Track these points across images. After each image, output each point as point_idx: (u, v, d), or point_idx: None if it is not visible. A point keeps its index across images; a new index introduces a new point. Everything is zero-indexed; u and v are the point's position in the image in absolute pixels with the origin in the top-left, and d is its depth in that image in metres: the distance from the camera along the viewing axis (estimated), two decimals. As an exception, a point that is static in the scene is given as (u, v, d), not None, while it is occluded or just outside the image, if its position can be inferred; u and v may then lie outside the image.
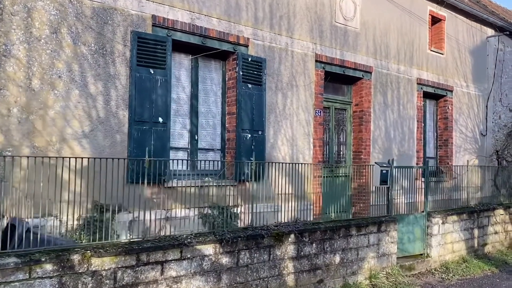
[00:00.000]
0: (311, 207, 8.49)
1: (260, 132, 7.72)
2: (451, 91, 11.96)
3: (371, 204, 9.37)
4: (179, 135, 7.21)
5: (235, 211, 7.33)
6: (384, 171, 7.55)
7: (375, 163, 7.89)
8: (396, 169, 8.07)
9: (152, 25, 6.56)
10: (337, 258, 6.65)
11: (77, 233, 5.69)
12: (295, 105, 8.40)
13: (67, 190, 5.10)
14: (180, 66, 7.22)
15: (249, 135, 7.55)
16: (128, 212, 6.13)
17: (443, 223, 8.49)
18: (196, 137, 7.34)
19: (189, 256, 5.06)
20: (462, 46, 12.36)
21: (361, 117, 9.70)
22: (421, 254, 8.24)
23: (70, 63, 5.86)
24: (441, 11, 11.72)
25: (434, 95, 11.75)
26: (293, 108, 8.37)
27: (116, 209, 5.81)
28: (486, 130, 13.22)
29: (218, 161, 7.17)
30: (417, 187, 10.21)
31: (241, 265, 5.54)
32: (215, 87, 7.63)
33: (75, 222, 5.61)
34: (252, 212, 7.39)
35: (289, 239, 6.10)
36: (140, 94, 6.33)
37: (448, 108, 11.92)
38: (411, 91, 10.81)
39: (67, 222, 5.52)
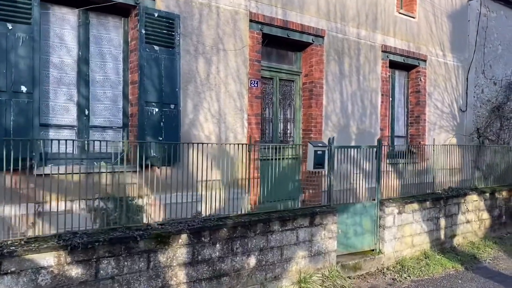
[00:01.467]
0: (246, 195, 7.11)
1: (172, 106, 6.28)
2: (424, 60, 10.44)
3: (323, 189, 8.01)
4: (64, 109, 5.77)
5: (139, 203, 5.95)
6: (319, 152, 6.13)
7: (309, 142, 6.46)
8: (339, 149, 6.66)
9: (13, -33, 5.08)
10: (252, 261, 5.29)
11: None
12: (223, 73, 6.93)
13: None
14: (62, 22, 5.74)
15: (157, 110, 6.12)
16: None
17: (399, 212, 7.11)
18: (87, 112, 5.91)
19: (13, 270, 3.69)
20: (438, 9, 10.79)
21: (311, 90, 8.23)
22: (372, 250, 6.90)
23: None
24: (413, -31, 10.16)
25: (404, 66, 10.25)
26: (220, 78, 6.90)
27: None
28: (466, 106, 11.73)
29: (108, 141, 5.71)
30: (382, 170, 8.90)
31: (103, 278, 4.18)
32: (115, 50, 6.15)
33: None
34: (164, 204, 6.08)
35: (180, 240, 4.73)
36: (-6, 55, 4.88)
37: (420, 80, 10.43)
38: (374, 60, 9.32)
39: None
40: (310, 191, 8.19)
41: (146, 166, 5.81)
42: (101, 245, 4.13)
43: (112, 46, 6.13)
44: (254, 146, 6.90)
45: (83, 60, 5.85)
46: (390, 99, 10.15)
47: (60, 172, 5.30)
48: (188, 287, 4.75)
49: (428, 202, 7.60)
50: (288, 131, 8.32)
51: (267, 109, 7.94)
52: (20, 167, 4.83)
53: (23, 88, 5.06)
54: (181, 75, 6.42)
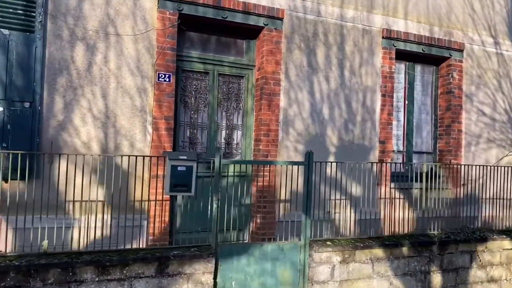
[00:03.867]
0: (146, 223, 5.42)
1: (27, 104, 4.91)
2: (460, 50, 7.58)
3: (280, 219, 5.96)
4: None
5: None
6: (181, 169, 4.19)
7: (164, 152, 4.51)
8: (228, 165, 4.62)
9: None
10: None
11: None
12: (114, 64, 5.37)
13: None
14: None
15: (1, 109, 4.81)
16: None
17: (344, 261, 4.75)
18: None
19: None
20: (486, -20, 7.88)
21: (262, 87, 6.23)
22: (298, 314, 4.67)
23: None
24: None
25: (426, 57, 7.54)
26: (110, 69, 5.36)
27: None
28: (538, 112, 8.44)
29: None
30: (379, 196, 6.59)
31: None
32: (-38, 36, 5.04)
33: None
34: (14, 229, 4.74)
35: None
36: None
37: (452, 77, 7.60)
38: (370, 49, 6.89)
39: None
40: (259, 220, 6.15)
41: (-14, 179, 4.56)
42: None
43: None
44: (158, 158, 5.19)
45: None
46: (406, 102, 7.55)
47: None
48: None
49: (404, 248, 5.05)
50: (234, 141, 6.39)
51: (198, 112, 6.15)
52: None
53: None
54: (46, 66, 5.04)
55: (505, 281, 5.74)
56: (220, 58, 6.24)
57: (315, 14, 6.48)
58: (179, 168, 4.26)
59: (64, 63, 5.15)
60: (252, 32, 6.33)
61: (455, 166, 7.21)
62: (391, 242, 5.05)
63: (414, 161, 7.60)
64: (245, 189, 6.11)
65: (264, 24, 6.16)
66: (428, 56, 7.51)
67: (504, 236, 5.78)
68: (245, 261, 4.48)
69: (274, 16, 6.18)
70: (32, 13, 4.94)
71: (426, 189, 7.07)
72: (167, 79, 5.60)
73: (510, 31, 8.09)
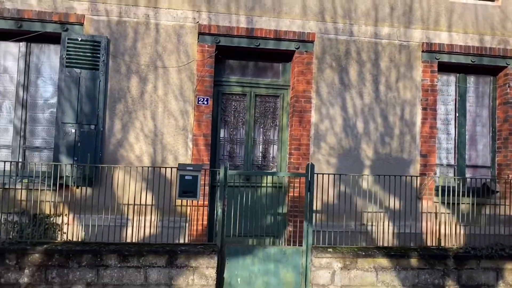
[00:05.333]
0: (185, 224, 6.30)
1: (92, 127, 6.16)
2: (519, 58, 7.12)
3: (313, 229, 6.36)
4: (3, 130, 6.39)
5: (55, 221, 6.00)
6: (188, 177, 4.90)
7: (179, 165, 5.21)
8: (235, 176, 5.17)
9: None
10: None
11: None
12: (162, 91, 6.40)
13: None
14: (6, 54, 6.43)
15: (73, 130, 6.11)
16: None
17: (345, 267, 5.00)
18: (23, 133, 6.38)
19: None
20: (552, -17, 7.24)
21: (293, 105, 6.70)
22: (301, 314, 5.04)
23: None
24: None
25: (478, 68, 7.21)
26: (158, 95, 6.39)
27: None
28: None
29: (10, 161, 5.98)
30: (423, 210, 6.62)
31: None
32: (54, 76, 6.49)
33: None
34: (82, 225, 6.02)
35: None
36: None
37: (509, 86, 7.12)
38: (408, 63, 6.89)
39: None
40: (291, 228, 6.60)
41: (62, 185, 5.92)
42: None
43: (53, 72, 6.46)
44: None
45: (23, 86, 6.39)
46: (457, 114, 7.29)
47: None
48: None
49: (412, 260, 5.06)
50: (270, 155, 6.95)
51: (237, 129, 6.86)
52: None
53: None
54: (107, 96, 6.27)
55: None
56: (257, 80, 6.91)
57: (347, 34, 6.78)
58: (186, 177, 5.02)
59: (121, 92, 6.34)
60: (286, 56, 6.88)
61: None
62: (396, 253, 5.11)
63: (468, 175, 7.28)
64: (279, 199, 6.65)
65: (296, 48, 6.68)
66: (481, 67, 7.20)
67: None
68: (250, 261, 5.03)
69: (305, 40, 6.66)
70: (97, 55, 6.22)
71: (478, 204, 6.81)
72: (205, 102, 6.45)
73: None
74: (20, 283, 4.60)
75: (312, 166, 5.31)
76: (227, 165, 5.11)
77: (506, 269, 5.26)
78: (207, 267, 4.83)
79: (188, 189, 5.01)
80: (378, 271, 5.04)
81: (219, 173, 5.04)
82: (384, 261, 5.07)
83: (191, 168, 5.02)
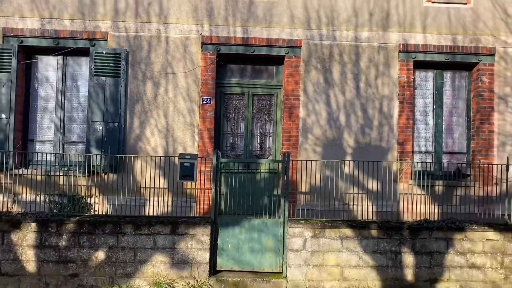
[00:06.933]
0: (194, 204, 7.47)
1: (116, 124, 7.42)
2: (491, 54, 7.76)
3: (301, 207, 7.37)
4: (47, 128, 7.77)
5: (88, 201, 7.32)
6: (186, 164, 6.02)
7: (180, 154, 6.33)
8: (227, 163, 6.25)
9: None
10: (101, 255, 5.89)
11: None
12: (172, 93, 7.56)
13: None
14: (47, 66, 7.77)
15: (100, 127, 7.38)
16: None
17: (315, 236, 6.00)
18: (62, 130, 7.72)
19: None
20: (523, -16, 7.82)
21: (284, 103, 7.69)
22: (280, 273, 6.09)
23: None
24: None
25: (454, 65, 7.92)
26: (169, 97, 7.56)
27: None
28: None
29: (50, 153, 7.33)
30: (400, 191, 7.49)
31: None
32: (84, 83, 7.78)
33: None
34: (110, 204, 7.30)
35: (29, 227, 5.90)
36: (-16, 95, 7.34)
37: (480, 80, 7.79)
38: (386, 62, 7.72)
39: None
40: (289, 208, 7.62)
41: (94, 172, 7.25)
42: None
43: (84, 80, 7.77)
44: (207, 158, 7.27)
45: (61, 92, 7.73)
46: (434, 106, 8.05)
47: (29, 173, 7.28)
48: (36, 264, 5.86)
49: (372, 230, 6.00)
50: (266, 146, 7.99)
51: (238, 124, 7.94)
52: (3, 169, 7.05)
53: (3, 116, 7.32)
54: (127, 98, 7.50)
55: (490, 269, 6.05)
56: (254, 82, 7.96)
57: (331, 39, 7.70)
58: (185, 164, 6.14)
59: (139, 95, 7.56)
60: (278, 60, 7.88)
61: (485, 165, 7.48)
62: (359, 225, 6.05)
63: (445, 160, 8.05)
64: (274, 183, 7.68)
65: (285, 53, 7.67)
66: (456, 63, 7.93)
67: (487, 228, 6.10)
68: (238, 230, 6.12)
69: (293, 46, 7.64)
70: (119, 65, 7.46)
71: (452, 186, 7.61)
72: (209, 102, 7.57)
73: (552, 29, 7.84)
74: (59, 245, 5.90)
75: (288, 154, 6.33)
76: (219, 154, 6.22)
77: (455, 239, 6.09)
78: (202, 234, 5.98)
79: (187, 173, 6.15)
80: (343, 239, 6.01)
81: (194, 159, 6.17)
82: (348, 231, 6.03)
83: (189, 157, 6.16)
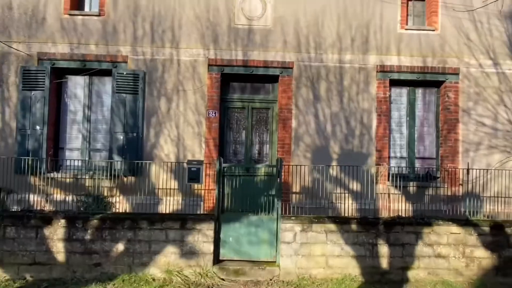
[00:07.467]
0: (201, 203, 8.18)
1: (134, 134, 8.13)
2: (455, 74, 8.43)
3: (295, 205, 8.09)
4: (75, 138, 8.50)
5: (110, 200, 8.03)
6: (193, 169, 6.72)
7: (188, 160, 7.07)
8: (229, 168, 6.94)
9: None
10: (120, 247, 6.57)
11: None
12: (182, 108, 8.25)
13: None
14: (76, 84, 8.47)
15: (121, 137, 8.10)
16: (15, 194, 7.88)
17: (304, 230, 6.62)
18: (88, 139, 8.45)
19: None
20: (483, 14, 8.55)
21: (279, 115, 8.42)
22: (274, 262, 6.81)
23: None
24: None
25: (425, 83, 8.57)
26: (180, 111, 8.21)
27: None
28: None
29: (78, 159, 8.05)
30: (378, 191, 8.21)
31: (8, 238, 6.48)
32: (108, 99, 8.47)
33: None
34: (129, 203, 8.02)
35: (59, 223, 6.55)
36: (22, 109, 8.04)
37: (447, 96, 8.53)
38: (366, 81, 8.39)
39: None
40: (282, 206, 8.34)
41: (116, 176, 7.97)
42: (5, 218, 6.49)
43: (109, 96, 8.50)
44: (212, 163, 7.98)
45: (87, 107, 8.45)
46: (408, 118, 8.79)
47: (59, 177, 7.99)
48: (65, 254, 6.52)
49: (353, 225, 6.69)
50: (264, 152, 8.67)
51: (239, 134, 8.64)
52: (37, 173, 7.77)
53: (38, 127, 8.05)
54: (145, 112, 8.21)
55: (453, 258, 6.68)
56: (253, 97, 8.55)
57: (318, 61, 8.30)
58: (192, 169, 6.78)
59: (154, 110, 8.23)
60: (273, 78, 8.43)
61: (451, 169, 8.22)
62: (341, 220, 6.78)
63: (417, 165, 8.78)
64: (270, 185, 8.40)
65: (280, 73, 8.27)
66: (426, 81, 8.53)
67: (451, 223, 6.78)
68: (238, 225, 6.72)
69: (286, 67, 8.24)
70: (137, 83, 8.09)
71: (423, 187, 8.35)
72: (214, 114, 8.24)
73: (508, 53, 8.58)
74: (85, 239, 6.60)
75: (281, 159, 6.94)
76: (222, 160, 6.83)
77: (424, 233, 6.67)
78: (207, 229, 6.58)
79: (194, 176, 6.78)
80: (327, 233, 6.63)
81: (200, 164, 6.87)
82: (332, 226, 6.64)
83: (195, 163, 6.80)
